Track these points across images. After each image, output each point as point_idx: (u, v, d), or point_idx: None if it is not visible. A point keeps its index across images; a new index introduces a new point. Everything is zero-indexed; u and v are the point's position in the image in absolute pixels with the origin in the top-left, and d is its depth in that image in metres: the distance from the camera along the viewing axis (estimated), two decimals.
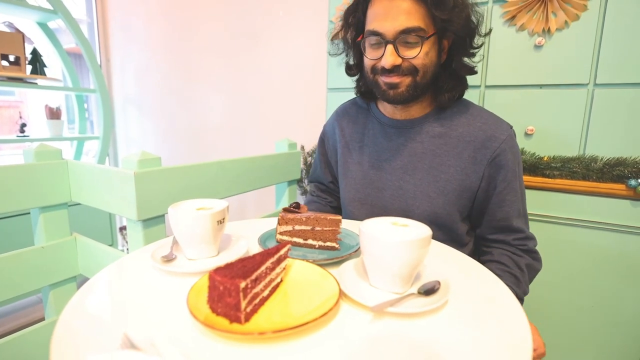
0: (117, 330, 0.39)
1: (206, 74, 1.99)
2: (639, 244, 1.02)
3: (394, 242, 0.44)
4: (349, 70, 0.87)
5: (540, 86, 1.11)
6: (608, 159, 1.03)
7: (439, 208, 0.76)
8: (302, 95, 1.70)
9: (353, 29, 0.78)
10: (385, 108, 0.84)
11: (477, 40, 0.75)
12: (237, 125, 1.94)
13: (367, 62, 0.76)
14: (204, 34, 1.96)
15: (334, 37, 0.84)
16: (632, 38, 0.99)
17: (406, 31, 0.67)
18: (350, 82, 1.44)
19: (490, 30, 0.78)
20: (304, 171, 1.58)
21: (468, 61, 0.77)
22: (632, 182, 0.98)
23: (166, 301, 0.46)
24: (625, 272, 1.05)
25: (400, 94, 0.73)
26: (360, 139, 0.88)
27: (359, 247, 0.57)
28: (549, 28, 1.06)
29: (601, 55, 1.02)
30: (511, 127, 0.77)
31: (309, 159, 1.58)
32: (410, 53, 0.69)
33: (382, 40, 0.70)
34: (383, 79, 0.73)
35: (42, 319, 1.00)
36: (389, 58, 0.69)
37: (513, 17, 1.10)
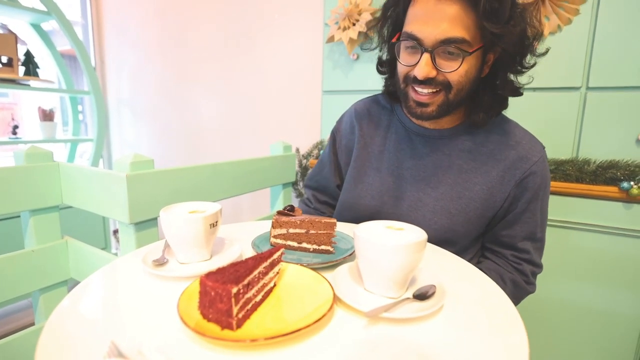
0: (105, 336, 0.38)
1: (201, 76, 1.99)
2: (633, 245, 1.03)
3: (388, 246, 0.44)
4: (381, 66, 0.79)
5: (534, 89, 1.11)
6: (601, 162, 1.03)
7: (458, 226, 0.71)
8: (298, 97, 1.70)
9: (391, 23, 0.70)
10: None
11: (530, 60, 0.67)
12: (232, 127, 1.93)
13: (400, 68, 0.69)
14: (199, 37, 1.95)
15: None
16: (624, 41, 1.00)
17: (447, 41, 0.60)
18: (345, 84, 1.45)
19: (547, 50, 0.69)
20: (299, 174, 1.57)
21: (514, 80, 0.69)
22: (625, 184, 0.99)
23: (156, 306, 0.45)
24: (619, 274, 1.05)
25: (428, 113, 0.68)
26: (381, 142, 0.81)
27: (354, 251, 0.57)
28: (542, 32, 1.07)
29: (593, 59, 1.03)
30: (544, 147, 0.72)
31: (304, 161, 1.57)
32: (448, 66, 0.62)
33: (419, 47, 0.62)
34: (414, 93, 0.67)
35: (33, 324, 0.98)
36: (424, 69, 0.62)
37: None
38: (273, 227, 0.64)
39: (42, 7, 1.85)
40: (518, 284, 0.73)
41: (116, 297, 0.49)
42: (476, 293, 0.51)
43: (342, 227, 0.73)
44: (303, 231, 0.63)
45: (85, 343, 0.38)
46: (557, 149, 1.10)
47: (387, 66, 0.78)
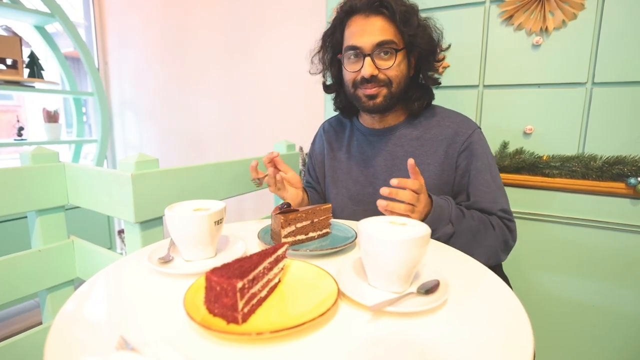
0: (113, 333, 0.39)
1: (204, 77, 1.99)
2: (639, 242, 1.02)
3: (392, 241, 0.44)
4: (327, 88, 0.96)
5: (539, 85, 1.11)
6: (607, 158, 1.02)
7: None
8: (301, 96, 1.70)
9: (331, 50, 0.89)
10: (365, 120, 0.94)
11: (439, 55, 0.87)
12: (235, 128, 1.94)
13: (348, 75, 0.84)
14: (201, 38, 1.96)
15: (313, 57, 0.92)
16: (629, 36, 0.99)
17: (381, 44, 0.77)
18: None
19: (449, 45, 0.93)
20: (303, 172, 1.58)
21: (432, 74, 0.88)
22: (632, 180, 0.98)
23: (163, 303, 0.46)
24: (626, 271, 1.04)
25: (378, 104, 0.82)
26: (347, 150, 0.97)
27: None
28: (546, 27, 1.06)
29: (599, 54, 1.02)
30: (478, 126, 0.86)
31: (308, 160, 1.57)
32: (385, 64, 0.78)
33: (361, 54, 0.79)
34: (363, 91, 0.82)
35: (40, 324, 0.99)
36: (368, 68, 0.78)
37: (510, 17, 1.10)
38: (282, 227, 0.64)
39: (46, 9, 1.87)
40: (485, 222, 0.80)
41: (123, 295, 0.49)
42: (480, 288, 0.51)
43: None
44: (309, 222, 0.66)
45: (94, 340, 0.38)
46: (563, 145, 1.09)
47: (332, 87, 0.95)
